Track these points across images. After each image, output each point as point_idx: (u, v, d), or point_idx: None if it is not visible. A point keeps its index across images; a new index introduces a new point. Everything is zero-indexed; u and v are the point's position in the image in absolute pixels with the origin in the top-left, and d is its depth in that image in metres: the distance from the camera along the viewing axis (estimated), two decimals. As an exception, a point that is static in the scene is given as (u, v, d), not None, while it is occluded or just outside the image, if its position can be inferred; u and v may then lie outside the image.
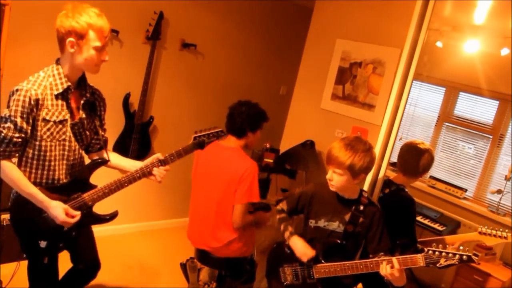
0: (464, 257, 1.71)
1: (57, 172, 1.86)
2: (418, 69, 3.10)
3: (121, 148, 3.36)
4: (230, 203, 2.33)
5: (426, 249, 1.77)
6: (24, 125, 1.71)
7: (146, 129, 3.48)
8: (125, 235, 3.66)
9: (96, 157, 2.00)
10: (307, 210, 2.09)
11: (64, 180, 1.89)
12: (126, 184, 1.92)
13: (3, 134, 1.68)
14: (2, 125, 1.69)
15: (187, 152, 1.97)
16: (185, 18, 3.53)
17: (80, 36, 1.73)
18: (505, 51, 3.40)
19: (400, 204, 2.28)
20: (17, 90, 1.71)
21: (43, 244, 1.85)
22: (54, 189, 1.83)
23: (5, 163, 1.71)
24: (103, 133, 2.07)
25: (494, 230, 2.17)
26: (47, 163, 1.82)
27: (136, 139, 3.40)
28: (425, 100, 4.11)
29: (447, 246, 1.77)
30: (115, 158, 2.06)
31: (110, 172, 2.03)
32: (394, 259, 1.79)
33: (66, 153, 1.87)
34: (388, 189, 2.39)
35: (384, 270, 1.78)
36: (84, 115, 1.91)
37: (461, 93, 3.95)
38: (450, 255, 1.74)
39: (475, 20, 3.43)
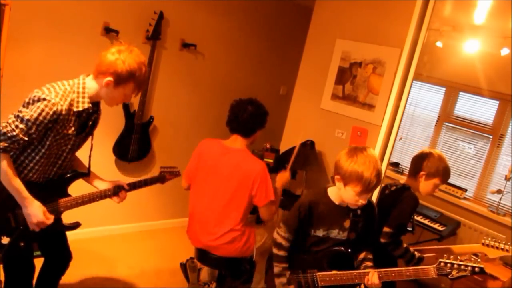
0: (476, 269, 1.73)
1: (42, 175, 1.90)
2: (418, 69, 3.10)
3: (121, 148, 3.36)
4: (238, 202, 2.36)
5: (438, 260, 1.80)
6: (36, 133, 1.73)
7: (146, 129, 3.48)
8: (125, 235, 3.66)
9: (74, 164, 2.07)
10: (306, 221, 2.03)
11: (43, 183, 1.92)
12: (97, 199, 2.03)
13: (14, 133, 1.69)
14: (16, 123, 1.69)
15: (152, 183, 2.20)
16: (185, 18, 3.53)
17: (119, 81, 1.78)
18: (505, 51, 3.41)
19: (401, 199, 2.28)
20: (44, 99, 1.70)
21: (4, 240, 1.86)
22: (33, 190, 1.83)
23: (3, 157, 1.72)
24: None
25: (497, 242, 2.17)
26: (41, 168, 1.85)
27: (136, 139, 3.40)
28: (425, 100, 4.11)
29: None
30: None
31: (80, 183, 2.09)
32: (375, 274, 1.86)
33: (60, 162, 1.93)
34: (394, 187, 2.40)
35: (372, 280, 1.86)
36: (88, 131, 1.97)
37: (461, 93, 3.95)
38: (462, 267, 1.75)
39: (475, 20, 3.43)
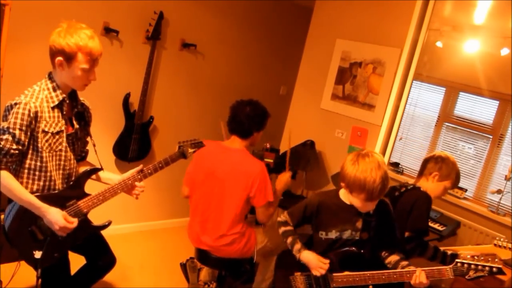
0: (494, 269, 1.71)
1: (57, 182, 1.89)
2: (418, 69, 3.11)
3: (121, 148, 3.36)
4: (236, 203, 2.35)
5: (455, 261, 1.78)
6: (22, 137, 1.73)
7: (146, 129, 3.48)
8: (125, 235, 3.66)
9: (85, 167, 2.03)
10: (314, 222, 2.01)
11: (60, 188, 1.91)
12: (119, 191, 1.98)
13: (1, 145, 1.70)
14: (0, 137, 1.71)
15: (173, 160, 2.02)
16: (185, 18, 3.53)
17: (68, 57, 1.77)
18: (505, 51, 3.41)
19: (414, 199, 2.26)
20: (15, 104, 1.73)
21: (37, 254, 1.83)
22: (49, 198, 1.83)
23: (2, 173, 1.72)
24: (87, 145, 2.13)
25: (510, 243, 2.15)
26: (48, 174, 1.85)
27: (136, 139, 3.40)
28: (425, 100, 4.11)
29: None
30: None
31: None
32: (422, 273, 1.80)
33: (62, 163, 1.91)
34: (404, 188, 2.38)
35: (415, 280, 1.81)
36: (77, 126, 1.96)
37: (461, 93, 3.95)
38: (480, 267, 1.73)
39: (475, 20, 3.43)
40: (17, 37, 2.73)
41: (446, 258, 2.23)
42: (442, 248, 2.34)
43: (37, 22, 2.81)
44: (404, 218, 2.23)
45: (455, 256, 2.23)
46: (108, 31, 3.09)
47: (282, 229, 2.06)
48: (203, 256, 2.49)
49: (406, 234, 2.23)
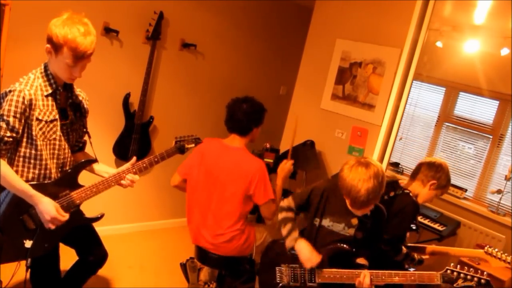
0: (482, 280, 1.74)
1: (52, 171, 1.89)
2: (418, 69, 3.11)
3: (121, 148, 3.36)
4: (236, 201, 2.36)
5: (445, 268, 1.80)
6: (16, 125, 1.73)
7: (146, 129, 3.48)
8: (125, 235, 3.66)
9: (81, 158, 2.03)
10: (315, 207, 2.04)
11: (55, 177, 1.91)
12: (113, 184, 1.96)
13: None
14: None
15: (169, 155, 2.03)
16: (185, 18, 3.53)
17: (55, 47, 1.76)
18: (505, 51, 3.41)
19: (403, 205, 2.25)
20: (10, 91, 1.73)
21: (28, 244, 1.83)
22: (42, 187, 1.82)
23: None
24: (83, 136, 2.12)
25: (499, 252, 2.16)
26: (43, 162, 1.85)
27: (136, 139, 3.40)
28: (425, 100, 4.11)
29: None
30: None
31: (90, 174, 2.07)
32: (367, 275, 1.85)
33: (56, 152, 1.90)
34: (393, 192, 2.37)
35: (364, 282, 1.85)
36: (72, 116, 1.95)
37: (461, 93, 3.95)
38: (469, 277, 1.76)
39: (475, 20, 3.43)
40: (17, 37, 2.73)
41: (413, 262, 2.29)
42: (432, 248, 2.40)
43: (37, 22, 2.80)
44: (388, 221, 2.23)
45: (421, 262, 2.29)
46: (108, 31, 3.09)
47: (283, 214, 2.07)
48: (203, 255, 2.49)
49: (386, 236, 2.24)
